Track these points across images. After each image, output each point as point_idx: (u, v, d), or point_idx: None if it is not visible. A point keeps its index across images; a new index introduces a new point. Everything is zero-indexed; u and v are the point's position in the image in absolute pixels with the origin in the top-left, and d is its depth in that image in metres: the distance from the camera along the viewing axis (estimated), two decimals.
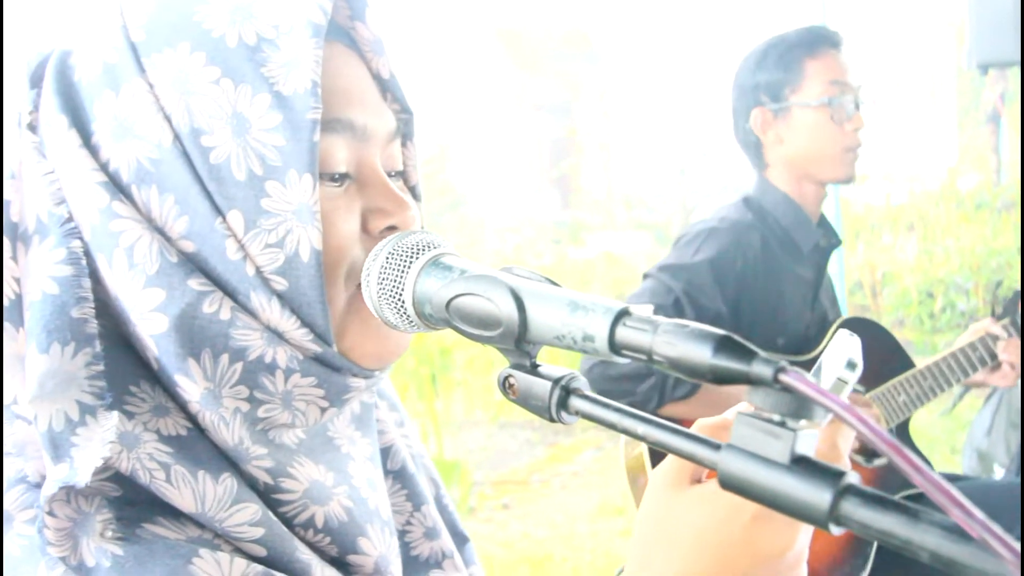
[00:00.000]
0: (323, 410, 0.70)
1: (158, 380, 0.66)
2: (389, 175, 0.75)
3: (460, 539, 0.96)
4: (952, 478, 2.17)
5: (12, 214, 0.66)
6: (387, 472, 0.87)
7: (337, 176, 0.69)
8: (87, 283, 0.64)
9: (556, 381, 0.58)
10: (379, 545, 0.75)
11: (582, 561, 3.88)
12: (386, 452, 0.88)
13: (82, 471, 0.59)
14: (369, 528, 0.74)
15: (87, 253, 0.64)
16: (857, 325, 2.05)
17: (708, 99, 10.33)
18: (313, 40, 0.65)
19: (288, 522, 0.69)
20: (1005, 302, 1.96)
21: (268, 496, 0.68)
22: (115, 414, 0.62)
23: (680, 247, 1.91)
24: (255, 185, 0.64)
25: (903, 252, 7.02)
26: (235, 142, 0.64)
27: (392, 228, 0.71)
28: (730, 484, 0.48)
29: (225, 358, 0.65)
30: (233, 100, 0.64)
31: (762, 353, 0.47)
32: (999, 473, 3.36)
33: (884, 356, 2.01)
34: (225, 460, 0.67)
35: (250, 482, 0.68)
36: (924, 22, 9.42)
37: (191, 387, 0.64)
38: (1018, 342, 1.93)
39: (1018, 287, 2.93)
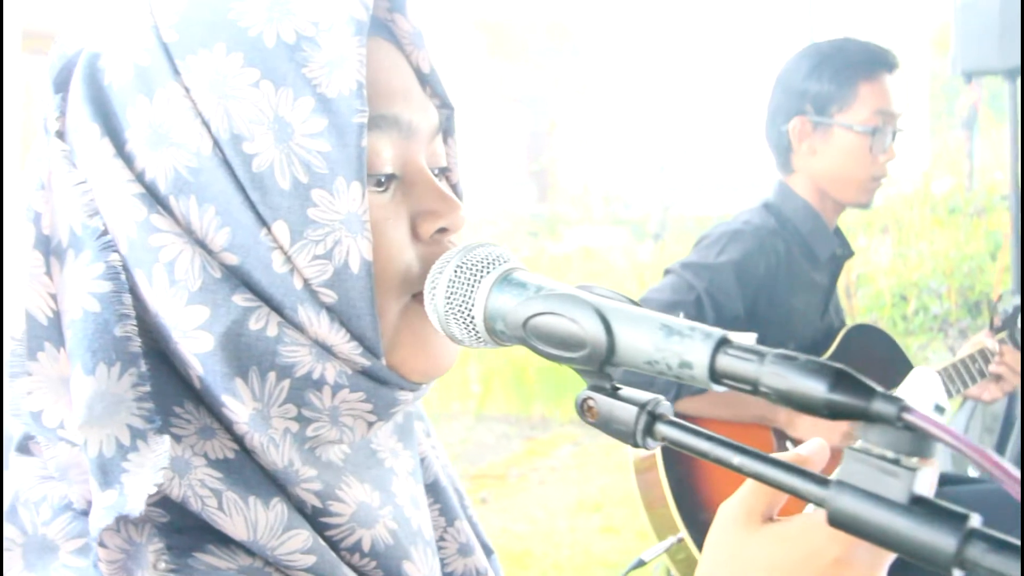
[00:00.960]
0: (370, 424, 0.68)
1: (201, 400, 0.63)
2: (433, 172, 0.72)
3: (485, 551, 0.94)
4: (959, 480, 2.20)
5: (43, 227, 0.62)
6: None
7: (383, 178, 0.66)
8: (128, 299, 0.60)
9: (642, 407, 0.56)
10: (422, 568, 0.73)
11: (561, 557, 3.88)
12: (419, 464, 0.86)
13: (133, 499, 0.56)
14: (413, 551, 0.72)
15: (125, 267, 0.61)
16: (863, 331, 2.06)
17: (690, 96, 10.36)
18: (356, 38, 0.62)
19: (334, 546, 0.67)
20: (1004, 316, 1.97)
21: (315, 520, 0.66)
22: (166, 438, 0.59)
23: (703, 247, 1.91)
24: (301, 194, 0.61)
25: (877, 254, 7.11)
26: (278, 149, 0.60)
27: (443, 230, 0.68)
28: (841, 522, 0.47)
29: (272, 376, 0.62)
30: (274, 104, 0.61)
31: (881, 389, 0.46)
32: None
33: (887, 364, 2.02)
34: (273, 484, 0.64)
35: (297, 505, 0.65)
36: (897, 28, 9.53)
37: (239, 408, 0.62)
38: (1016, 354, 1.95)
39: (1010, 298, 2.97)
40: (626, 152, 10.95)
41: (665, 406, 0.57)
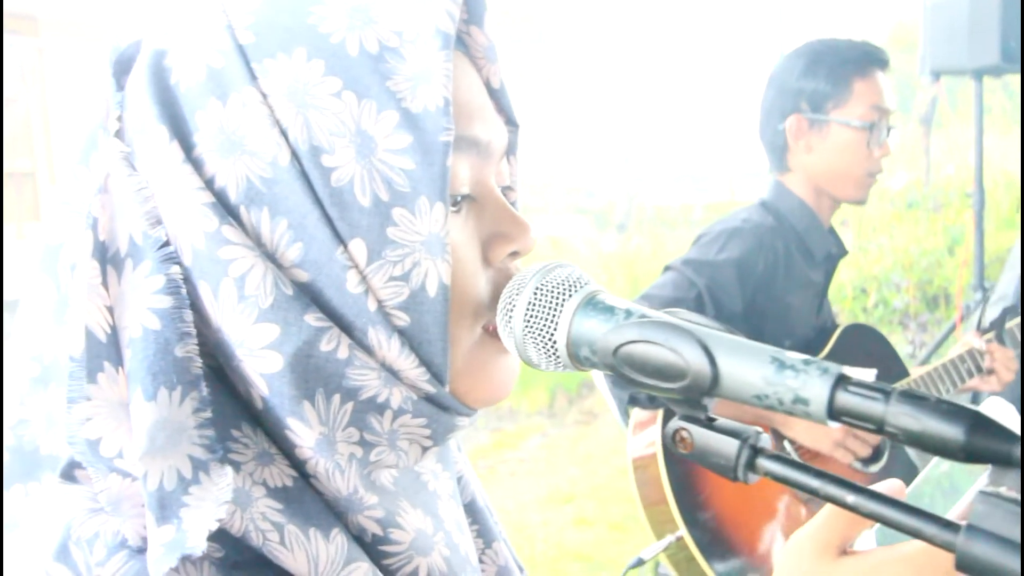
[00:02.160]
0: (424, 449, 0.66)
1: (259, 422, 0.60)
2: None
3: (517, 568, 0.93)
4: None
5: (100, 232, 0.58)
6: None
7: (459, 198, 0.64)
8: (189, 316, 0.56)
9: (744, 440, 0.54)
10: None
11: (535, 551, 3.88)
12: (456, 483, 0.83)
13: (194, 536, 0.52)
14: None
15: (187, 279, 0.57)
16: (858, 331, 2.09)
17: (654, 87, 10.40)
18: (443, 52, 0.59)
19: None
20: (992, 318, 2.03)
21: (374, 549, 0.63)
22: (228, 469, 0.55)
23: (703, 244, 1.92)
24: (381, 212, 0.58)
25: None
26: (359, 163, 0.57)
27: (514, 254, 0.66)
28: (974, 568, 0.46)
29: (337, 399, 0.59)
30: (357, 116, 0.57)
31: (1020, 434, 0.44)
32: None
33: (880, 364, 2.05)
34: (332, 513, 0.61)
35: (356, 534, 0.62)
36: (857, 24, 9.67)
37: (305, 432, 0.58)
38: (1008, 352, 2.00)
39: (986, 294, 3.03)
40: (589, 142, 10.96)
41: (764, 438, 0.55)
